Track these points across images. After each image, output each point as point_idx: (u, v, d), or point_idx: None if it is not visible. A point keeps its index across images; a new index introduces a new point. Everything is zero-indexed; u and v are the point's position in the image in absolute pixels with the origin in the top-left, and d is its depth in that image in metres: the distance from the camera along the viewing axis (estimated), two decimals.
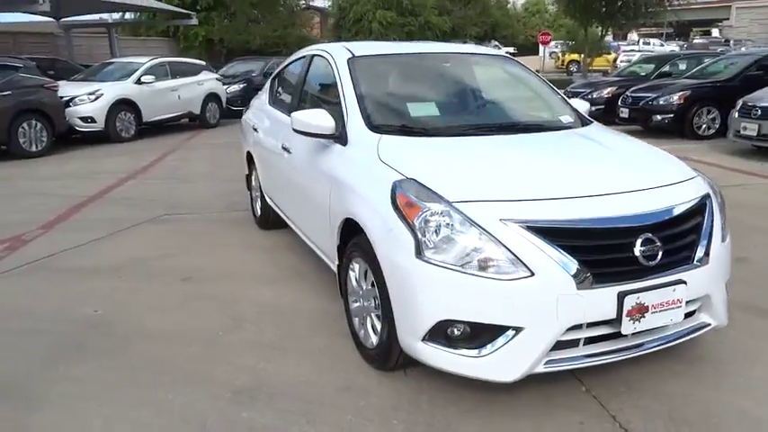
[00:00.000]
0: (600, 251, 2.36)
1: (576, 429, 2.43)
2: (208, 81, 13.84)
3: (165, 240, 5.15)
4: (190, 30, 22.52)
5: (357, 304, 3.06)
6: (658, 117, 9.87)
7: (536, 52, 53.84)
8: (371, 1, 37.18)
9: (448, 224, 2.37)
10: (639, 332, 2.42)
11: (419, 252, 2.39)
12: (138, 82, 11.93)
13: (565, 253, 2.30)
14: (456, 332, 2.38)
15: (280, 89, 4.88)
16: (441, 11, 38.56)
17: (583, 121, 3.57)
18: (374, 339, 2.86)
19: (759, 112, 7.83)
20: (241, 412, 2.59)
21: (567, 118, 3.55)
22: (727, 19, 46.96)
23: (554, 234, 2.32)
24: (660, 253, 2.41)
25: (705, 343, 3.05)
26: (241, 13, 22.74)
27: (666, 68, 12.27)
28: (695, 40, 43.33)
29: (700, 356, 2.97)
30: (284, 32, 24.36)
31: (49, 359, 3.11)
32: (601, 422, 2.47)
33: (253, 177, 5.37)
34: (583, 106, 3.81)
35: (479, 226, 2.33)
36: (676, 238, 2.50)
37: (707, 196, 2.74)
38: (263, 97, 5.24)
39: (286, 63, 4.93)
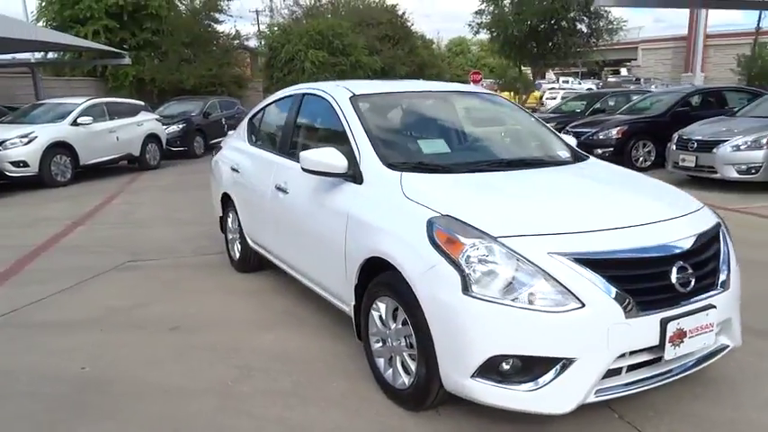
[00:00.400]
0: (641, 280, 2.43)
1: None
2: (147, 122, 13.44)
3: (139, 288, 4.87)
4: (119, 69, 21.83)
5: (380, 345, 3.00)
6: (599, 151, 10.40)
7: None
8: (303, 41, 37.56)
9: (494, 259, 2.38)
10: (677, 357, 2.50)
11: (466, 288, 2.38)
12: (75, 123, 11.42)
13: (611, 283, 2.35)
14: (507, 367, 2.37)
15: (262, 129, 4.81)
16: (371, 51, 39.38)
17: (577, 156, 3.71)
18: (406, 379, 2.80)
19: (695, 144, 8.43)
20: None
21: (564, 153, 3.69)
22: (635, 59, 50.61)
23: (599, 265, 2.38)
24: (693, 280, 2.51)
25: (714, 365, 3.17)
26: (173, 52, 22.31)
27: (599, 105, 13.02)
28: (609, 79, 46.29)
29: (713, 378, 3.09)
30: (219, 71, 24.07)
31: (44, 426, 2.84)
32: None
33: (230, 219, 5.21)
34: (572, 141, 3.96)
35: (527, 260, 2.35)
36: (703, 265, 2.61)
37: (719, 224, 2.90)
38: (238, 137, 5.14)
39: (266, 103, 4.88)
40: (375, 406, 2.90)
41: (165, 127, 14.23)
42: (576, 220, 2.59)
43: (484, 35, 16.11)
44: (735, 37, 40.99)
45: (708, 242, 2.71)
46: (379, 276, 2.90)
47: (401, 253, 2.67)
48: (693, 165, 8.46)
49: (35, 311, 4.41)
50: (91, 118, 11.71)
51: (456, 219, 2.56)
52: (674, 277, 2.47)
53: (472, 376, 2.40)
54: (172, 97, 18.89)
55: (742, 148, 7.91)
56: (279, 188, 3.95)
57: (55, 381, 3.29)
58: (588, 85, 40.17)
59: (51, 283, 5.00)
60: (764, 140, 7.86)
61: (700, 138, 8.47)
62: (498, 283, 2.35)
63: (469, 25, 16.58)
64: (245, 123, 5.15)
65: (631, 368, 2.50)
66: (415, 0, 71.54)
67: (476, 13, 16.08)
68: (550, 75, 55.86)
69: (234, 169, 4.88)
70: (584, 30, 15.03)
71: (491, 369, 2.37)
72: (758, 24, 32.36)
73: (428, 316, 2.52)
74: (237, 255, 5.15)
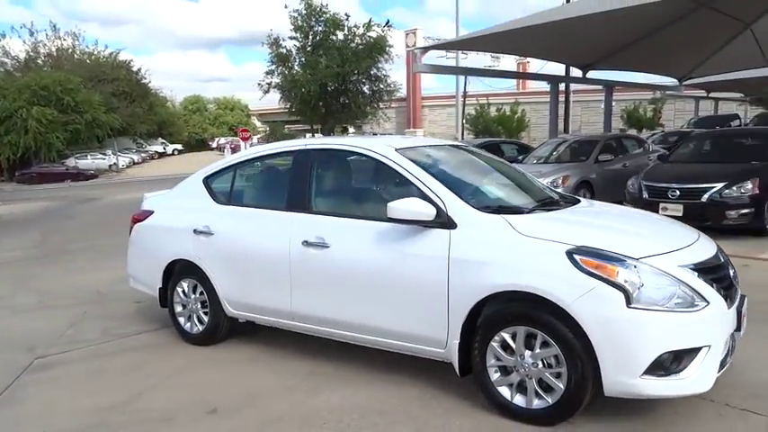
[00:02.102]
0: (722, 280, 3.19)
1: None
2: None
3: (98, 383, 4.09)
4: None
5: (499, 375, 3.24)
6: None
7: (203, 149, 54.98)
8: (23, 96, 33.12)
9: (645, 276, 2.91)
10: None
11: (629, 302, 2.86)
12: None
13: (713, 284, 3.07)
14: (667, 362, 2.89)
15: (244, 188, 4.55)
16: (108, 107, 36.52)
17: (563, 197, 4.40)
18: (549, 398, 3.10)
19: None
20: None
21: (555, 195, 4.38)
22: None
23: (703, 271, 3.08)
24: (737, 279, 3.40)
25: None
26: None
27: None
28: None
29: None
30: None
31: None
32: (727, 412, 3.23)
33: (180, 290, 4.71)
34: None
35: (668, 273, 2.94)
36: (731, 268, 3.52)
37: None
38: (185, 197, 4.72)
39: (234, 162, 4.62)
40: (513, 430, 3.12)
41: None
42: (663, 241, 3.28)
43: (275, 94, 16.58)
44: (442, 99, 48.55)
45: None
46: (500, 309, 3.17)
47: (547, 282, 3.01)
48: None
49: None
50: None
51: (593, 248, 3.03)
52: (731, 277, 3.31)
53: (641, 375, 2.86)
54: None
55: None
56: (309, 243, 3.86)
57: None
58: None
59: None
60: (560, 180, 9.86)
61: None
62: (654, 294, 2.88)
63: (259, 84, 16.86)
64: (199, 185, 4.75)
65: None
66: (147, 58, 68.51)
67: (266, 73, 16.50)
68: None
69: (200, 232, 4.48)
70: (367, 91, 16.62)
71: (657, 366, 2.86)
72: (465, 89, 38.98)
73: (589, 331, 2.90)
74: (200, 327, 4.67)
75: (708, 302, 2.95)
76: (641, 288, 2.88)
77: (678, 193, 8.08)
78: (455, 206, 3.43)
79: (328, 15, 15.62)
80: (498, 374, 3.27)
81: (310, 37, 15.90)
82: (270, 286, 4.15)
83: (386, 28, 16.13)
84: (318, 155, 4.17)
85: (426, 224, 3.41)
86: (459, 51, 15.27)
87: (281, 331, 4.47)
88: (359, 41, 15.65)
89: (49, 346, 4.90)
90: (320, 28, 15.85)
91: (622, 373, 2.89)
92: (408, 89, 46.79)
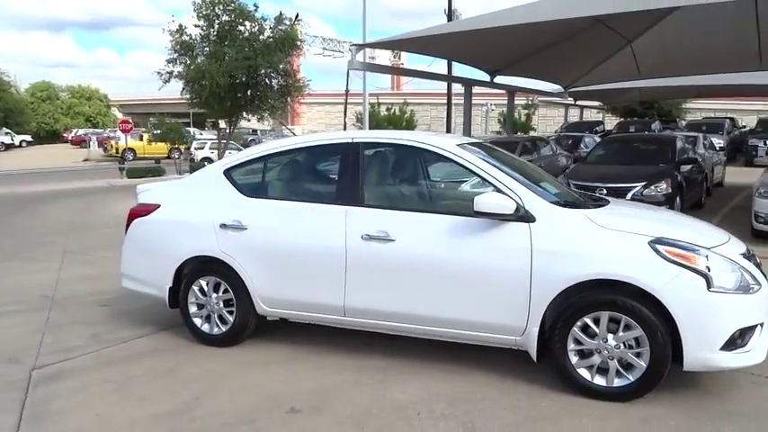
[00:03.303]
0: (757, 266, 3.71)
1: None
2: None
3: (138, 390, 3.75)
4: None
5: (578, 359, 3.50)
6: None
7: (55, 141, 49.94)
8: None
9: (719, 263, 3.31)
10: None
11: (709, 286, 3.25)
12: None
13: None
14: (738, 338, 3.31)
15: (278, 180, 4.38)
16: None
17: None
18: (630, 376, 3.40)
19: None
20: None
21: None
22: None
23: (749, 259, 3.56)
24: None
25: None
26: None
27: None
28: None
29: None
30: None
31: None
32: (757, 380, 3.76)
33: (197, 288, 4.43)
34: None
35: (734, 261, 3.38)
36: None
37: None
38: (215, 192, 4.44)
39: (264, 153, 4.43)
40: (599, 408, 3.38)
41: None
42: (713, 234, 3.75)
43: (176, 84, 15.52)
44: (321, 96, 48.63)
45: None
46: (586, 296, 3.42)
47: (635, 271, 3.32)
48: None
49: None
50: None
51: (671, 239, 3.39)
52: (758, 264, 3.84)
53: (720, 349, 3.26)
54: None
55: None
56: (371, 237, 3.84)
57: None
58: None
59: None
60: None
61: None
62: (728, 279, 3.30)
63: (159, 73, 15.67)
64: (211, 176, 4.50)
65: None
66: None
67: (168, 61, 15.40)
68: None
69: (229, 226, 4.25)
70: (275, 86, 16.18)
71: (731, 342, 3.28)
72: (347, 87, 39.27)
73: (675, 314, 3.25)
74: (223, 328, 4.42)
75: (760, 285, 3.43)
76: (717, 273, 3.28)
77: (605, 191, 8.91)
78: (532, 201, 3.62)
79: (236, 5, 15.03)
80: (577, 358, 3.52)
81: (216, 26, 15.21)
82: (319, 281, 4.06)
83: (296, 22, 15.86)
84: (371, 148, 4.16)
85: (506, 218, 3.57)
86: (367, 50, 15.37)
87: (300, 329, 4.43)
88: (269, 34, 15.26)
89: (35, 357, 4.36)
90: (226, 18, 15.23)
91: (703, 349, 3.27)
92: None
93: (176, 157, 27.24)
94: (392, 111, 27.76)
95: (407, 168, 4.29)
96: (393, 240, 3.82)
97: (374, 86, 43.89)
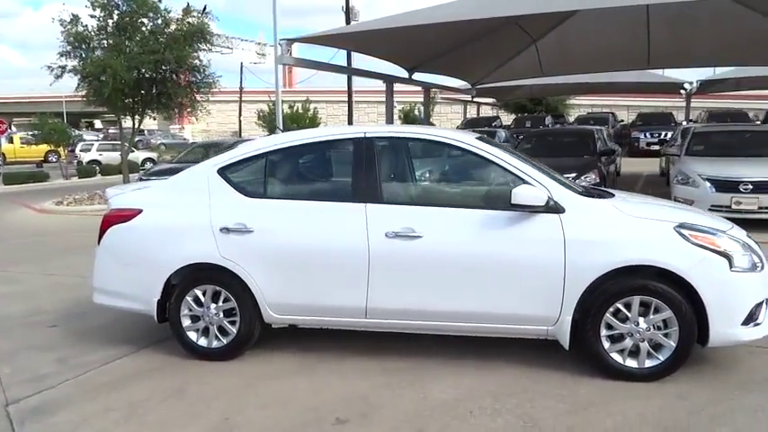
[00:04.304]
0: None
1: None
2: None
3: (152, 416, 3.37)
4: None
5: (609, 344, 3.61)
6: None
7: None
8: None
9: (735, 245, 3.55)
10: None
11: (731, 266, 3.47)
12: None
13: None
14: (754, 313, 3.56)
15: (287, 179, 4.09)
16: None
17: None
18: (660, 356, 3.56)
19: None
20: None
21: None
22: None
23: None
24: None
25: None
26: None
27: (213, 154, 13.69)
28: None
29: None
30: None
31: None
32: (754, 350, 4.08)
33: (191, 299, 4.07)
34: None
35: (745, 243, 3.63)
36: None
37: None
38: (208, 193, 4.08)
39: (272, 150, 4.14)
40: (636, 390, 3.51)
41: None
42: (718, 219, 3.98)
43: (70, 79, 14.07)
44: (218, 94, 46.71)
45: None
46: (619, 282, 3.53)
47: (665, 255, 3.47)
48: None
49: None
50: None
51: (692, 224, 3.58)
52: None
53: (741, 324, 3.50)
54: None
55: None
56: (397, 235, 3.72)
57: None
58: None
59: None
60: None
61: None
62: (744, 259, 3.54)
63: (49, 67, 14.14)
64: (203, 176, 4.15)
65: None
66: None
67: (61, 54, 13.94)
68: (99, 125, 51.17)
69: (231, 230, 3.94)
70: (182, 82, 15.23)
71: (749, 317, 3.52)
72: (240, 84, 38.17)
73: (703, 294, 3.44)
74: (224, 340, 4.09)
75: (763, 264, 3.72)
76: (736, 254, 3.52)
77: None
78: (560, 192, 3.68)
79: None
80: (609, 343, 3.63)
81: (116, 16, 14.09)
82: (337, 283, 3.87)
83: (204, 15, 15.03)
84: (386, 143, 4.02)
85: (538, 209, 3.60)
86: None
87: (295, 336, 4.30)
88: (177, 27, 14.36)
89: (0, 391, 3.79)
90: (126, 8, 14.15)
91: (727, 325, 3.50)
92: None
93: (55, 160, 25.09)
94: (295, 108, 27.24)
95: (426, 163, 4.21)
96: (420, 237, 3.72)
97: (261, 85, 43.18)
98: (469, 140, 3.89)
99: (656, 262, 3.50)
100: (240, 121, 37.56)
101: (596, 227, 3.61)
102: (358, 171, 3.93)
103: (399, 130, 4.28)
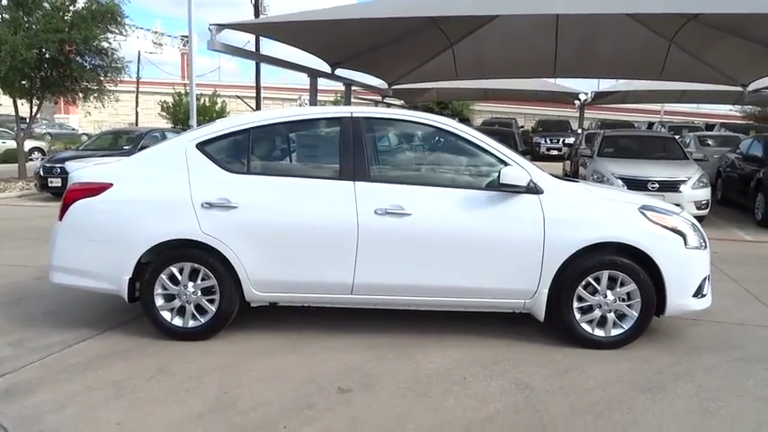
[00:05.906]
0: None
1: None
2: None
3: (144, 394, 3.23)
4: None
5: (580, 315, 3.93)
6: None
7: None
8: None
9: (687, 225, 3.99)
10: None
11: (686, 244, 3.91)
12: None
13: None
14: (702, 286, 4.01)
15: (272, 156, 4.03)
16: None
17: None
18: (624, 325, 3.92)
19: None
20: None
21: None
22: None
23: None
24: None
25: None
26: None
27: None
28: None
29: None
30: None
31: None
32: (695, 323, 4.58)
33: (165, 277, 3.93)
34: None
35: (693, 224, 4.08)
36: None
37: None
38: (186, 167, 3.95)
39: (256, 126, 4.06)
40: (606, 355, 3.85)
41: None
42: (670, 204, 4.43)
43: None
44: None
45: None
46: (590, 258, 3.85)
47: (632, 233, 3.84)
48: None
49: None
50: None
51: (652, 206, 3.98)
52: None
53: (692, 296, 3.94)
54: None
55: None
56: (387, 212, 3.83)
57: None
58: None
59: None
60: None
61: None
62: (695, 238, 3.98)
63: None
64: (180, 150, 4.02)
65: None
66: None
67: None
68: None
69: (214, 205, 3.85)
70: (87, 65, 14.23)
71: (698, 290, 3.97)
72: (138, 74, 36.21)
73: (663, 268, 3.84)
74: (202, 319, 3.99)
75: (707, 244, 4.20)
76: (688, 232, 3.95)
77: None
78: (538, 175, 3.95)
79: None
80: (580, 314, 3.94)
81: None
82: (324, 259, 3.91)
83: None
84: (374, 124, 4.10)
85: (519, 190, 3.84)
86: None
87: (276, 314, 4.33)
88: (84, 6, 13.42)
89: None
90: None
91: (681, 297, 3.93)
92: None
93: None
94: (202, 101, 26.29)
95: (415, 144, 4.33)
96: (409, 214, 3.84)
97: (162, 76, 41.18)
98: (451, 123, 4.08)
99: (624, 239, 3.85)
100: (137, 113, 35.63)
101: (572, 207, 3.91)
102: (346, 150, 3.98)
103: (386, 111, 4.38)
